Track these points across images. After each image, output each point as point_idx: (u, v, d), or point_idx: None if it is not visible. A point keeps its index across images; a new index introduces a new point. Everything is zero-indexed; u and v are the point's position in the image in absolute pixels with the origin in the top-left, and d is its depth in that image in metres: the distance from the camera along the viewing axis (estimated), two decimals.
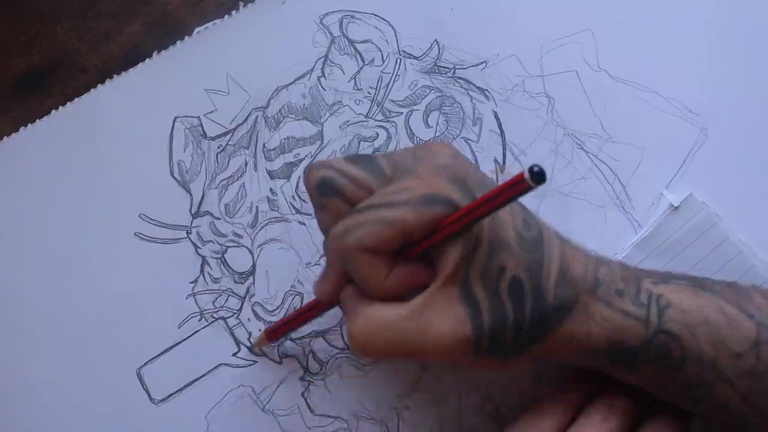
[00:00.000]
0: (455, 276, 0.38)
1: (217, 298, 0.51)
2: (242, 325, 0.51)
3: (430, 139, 0.51)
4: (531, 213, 0.40)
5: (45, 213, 0.53)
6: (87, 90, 0.55)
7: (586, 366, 0.40)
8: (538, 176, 0.33)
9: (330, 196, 0.39)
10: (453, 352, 0.38)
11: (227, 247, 0.51)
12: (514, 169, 0.51)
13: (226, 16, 0.55)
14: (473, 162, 0.40)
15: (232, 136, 0.52)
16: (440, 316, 0.37)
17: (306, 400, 0.50)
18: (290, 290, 0.50)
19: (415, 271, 0.39)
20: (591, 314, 0.38)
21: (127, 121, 0.54)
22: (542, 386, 0.49)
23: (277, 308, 0.50)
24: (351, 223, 0.38)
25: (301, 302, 0.50)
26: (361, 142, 0.51)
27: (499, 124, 0.51)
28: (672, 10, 0.51)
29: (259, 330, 0.50)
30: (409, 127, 0.51)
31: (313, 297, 0.44)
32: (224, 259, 0.51)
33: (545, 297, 0.38)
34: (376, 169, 0.40)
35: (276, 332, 0.48)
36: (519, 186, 0.34)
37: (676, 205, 0.49)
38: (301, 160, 0.51)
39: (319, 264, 0.50)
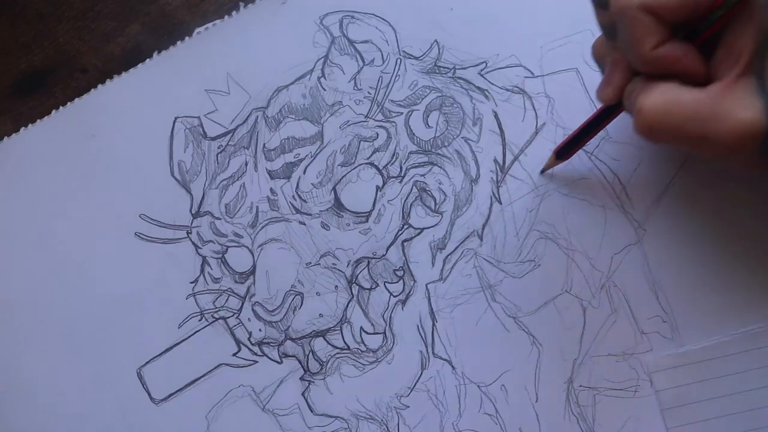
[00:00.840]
0: (751, 66, 0.36)
1: (217, 298, 0.51)
2: (242, 325, 0.51)
3: (436, 136, 0.51)
4: None
5: (45, 213, 0.53)
6: (87, 90, 0.55)
7: None
8: None
9: None
10: (745, 144, 0.36)
11: (227, 247, 0.51)
12: (516, 171, 0.51)
13: (227, 16, 0.55)
14: None
15: (232, 136, 0.52)
16: (738, 105, 0.36)
17: (306, 399, 0.50)
18: (290, 290, 0.50)
19: (688, 54, 0.38)
20: None
21: (127, 121, 0.54)
22: (543, 390, 0.49)
23: (277, 308, 0.50)
24: None
25: (301, 303, 0.50)
26: (361, 142, 0.51)
27: (499, 124, 0.51)
28: None
29: (260, 330, 0.50)
30: (409, 127, 0.51)
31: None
32: (224, 259, 0.51)
33: None
34: None
35: (565, 149, 0.46)
36: None
37: None
38: (301, 160, 0.51)
39: (319, 264, 0.50)
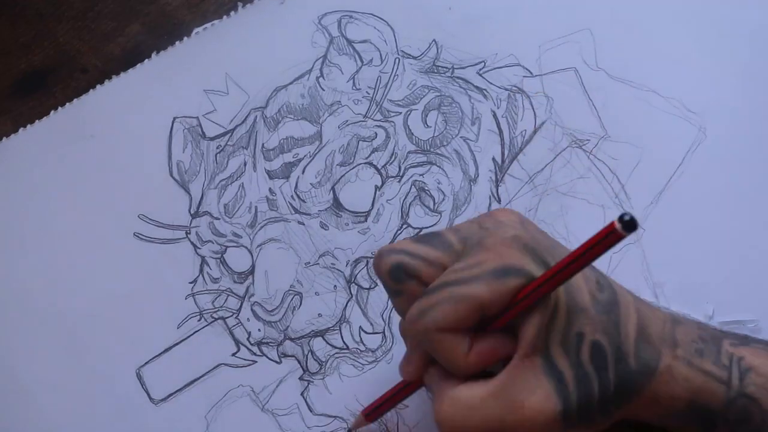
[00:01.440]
0: (536, 347, 0.36)
1: (216, 298, 0.51)
2: (241, 324, 0.51)
3: (435, 136, 0.51)
4: (602, 273, 0.39)
5: (44, 213, 0.53)
6: (87, 90, 0.55)
7: (660, 424, 0.39)
8: (629, 224, 0.31)
9: (405, 281, 0.39)
10: (546, 427, 0.36)
11: (226, 247, 0.51)
12: (515, 170, 0.51)
13: (225, 16, 0.55)
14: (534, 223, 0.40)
15: (230, 136, 0.53)
16: (526, 391, 0.36)
17: (305, 399, 0.50)
18: (289, 290, 0.50)
19: (496, 344, 0.38)
20: (673, 374, 0.37)
21: (126, 121, 0.54)
22: None
23: (276, 308, 0.50)
24: (425, 305, 0.37)
25: (300, 303, 0.50)
26: (360, 141, 0.51)
27: (498, 124, 0.51)
28: (671, 9, 0.51)
29: (259, 330, 0.50)
30: (408, 126, 0.51)
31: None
32: (223, 259, 0.51)
33: (628, 360, 0.37)
34: (446, 244, 0.39)
35: (373, 414, 0.46)
36: (609, 239, 0.32)
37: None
38: (300, 160, 0.51)
39: (317, 264, 0.50)
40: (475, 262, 0.37)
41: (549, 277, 0.35)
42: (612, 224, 0.32)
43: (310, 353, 0.50)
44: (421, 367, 0.41)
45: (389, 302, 0.50)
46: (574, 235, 0.50)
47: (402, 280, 0.39)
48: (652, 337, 0.38)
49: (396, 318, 0.50)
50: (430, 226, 0.51)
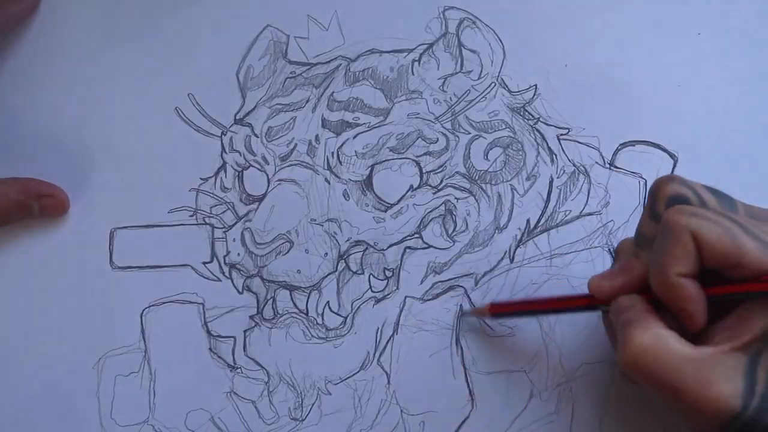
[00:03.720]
0: (752, 345, 0.37)
1: (216, 206, 0.51)
2: (225, 241, 0.51)
3: (488, 170, 0.50)
4: None
5: (106, 55, 0.53)
6: None
7: None
8: None
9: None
10: (709, 416, 0.37)
11: (250, 165, 0.51)
12: (541, 242, 0.50)
13: None
14: None
15: (309, 69, 0.52)
16: (721, 377, 0.36)
17: (245, 338, 0.50)
18: (284, 234, 0.50)
19: (700, 300, 0.38)
20: None
21: (227, 4, 0.53)
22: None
23: (264, 244, 0.50)
24: (705, 214, 0.37)
25: (288, 251, 0.50)
26: (420, 139, 0.50)
27: (549, 191, 0.51)
28: None
29: (238, 254, 0.50)
30: (469, 149, 0.51)
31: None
32: (242, 174, 0.51)
33: None
34: (734, 207, 0.39)
35: (503, 307, 0.47)
36: None
37: None
38: (357, 125, 0.51)
39: (321, 225, 0.50)
40: (765, 230, 0.37)
41: None
42: None
43: (272, 300, 0.50)
44: (619, 292, 0.40)
45: (365, 295, 0.50)
46: (558, 329, 0.50)
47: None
48: None
49: (363, 312, 0.50)
50: (439, 249, 0.50)
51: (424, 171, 0.50)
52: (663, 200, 0.39)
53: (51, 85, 0.52)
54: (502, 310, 0.48)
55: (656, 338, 0.38)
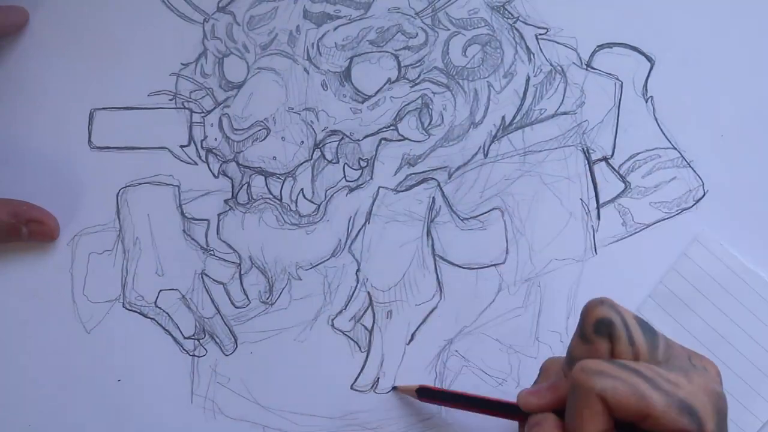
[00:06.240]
0: None
1: (195, 91, 0.52)
2: (203, 126, 0.51)
3: (466, 67, 0.51)
4: None
5: None
6: None
7: None
8: None
9: (601, 337, 0.39)
10: None
11: (231, 53, 0.51)
12: (515, 138, 0.51)
13: None
14: None
15: None
16: None
17: (219, 220, 0.51)
18: (261, 121, 0.50)
19: None
20: None
21: None
22: (422, 335, 0.49)
23: (242, 130, 0.50)
24: (610, 371, 0.37)
25: (265, 138, 0.50)
26: (400, 33, 0.51)
27: (525, 89, 0.51)
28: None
29: (216, 139, 0.51)
30: (448, 45, 0.51)
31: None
32: (222, 61, 0.51)
33: None
34: (656, 345, 0.39)
35: (430, 392, 0.47)
36: None
37: None
38: (338, 17, 0.51)
39: (299, 114, 0.50)
40: (673, 380, 0.37)
41: None
42: None
43: (246, 185, 0.51)
44: (544, 407, 0.41)
45: (339, 184, 0.50)
46: (530, 224, 0.50)
47: (601, 334, 0.39)
48: None
49: (336, 200, 0.50)
50: (413, 141, 0.51)
51: (402, 65, 0.51)
52: (591, 323, 0.40)
53: None
54: (428, 394, 0.48)
55: None
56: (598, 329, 0.39)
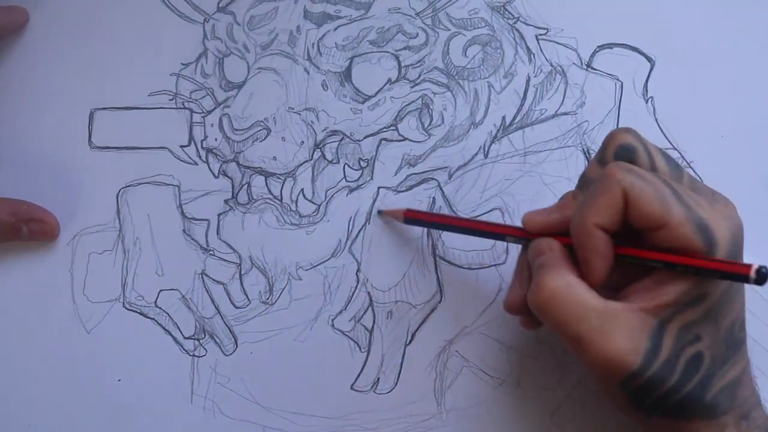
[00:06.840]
0: (662, 311, 0.37)
1: (196, 91, 0.52)
2: (204, 126, 0.51)
3: (466, 67, 0.51)
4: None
5: None
6: None
7: None
8: (761, 278, 0.35)
9: (621, 160, 0.39)
10: (607, 369, 0.37)
11: (231, 53, 0.51)
12: (516, 138, 0.51)
13: None
14: None
15: None
16: (622, 333, 0.37)
17: (219, 221, 0.51)
18: (261, 121, 0.50)
19: (611, 257, 0.38)
20: None
21: None
22: (422, 335, 0.49)
23: (242, 130, 0.50)
24: (641, 173, 0.37)
25: (265, 138, 0.50)
26: (400, 33, 0.51)
27: (526, 90, 0.51)
28: None
29: (216, 139, 0.51)
30: (448, 46, 0.51)
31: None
32: (222, 61, 0.52)
33: (706, 389, 0.38)
34: (680, 175, 0.40)
35: (414, 216, 0.47)
36: (734, 274, 0.36)
37: None
38: (339, 17, 0.51)
39: (299, 114, 0.50)
40: (698, 202, 0.37)
41: (704, 261, 0.37)
42: (748, 268, 0.35)
43: (247, 185, 0.51)
44: (555, 226, 0.40)
45: (339, 184, 0.51)
46: None
47: (621, 157, 0.39)
48: (736, 395, 0.39)
49: (336, 200, 0.51)
50: (414, 141, 0.51)
51: (402, 65, 0.51)
52: (613, 147, 0.40)
53: None
54: (415, 216, 0.48)
55: (567, 285, 0.38)
56: (619, 154, 0.39)
